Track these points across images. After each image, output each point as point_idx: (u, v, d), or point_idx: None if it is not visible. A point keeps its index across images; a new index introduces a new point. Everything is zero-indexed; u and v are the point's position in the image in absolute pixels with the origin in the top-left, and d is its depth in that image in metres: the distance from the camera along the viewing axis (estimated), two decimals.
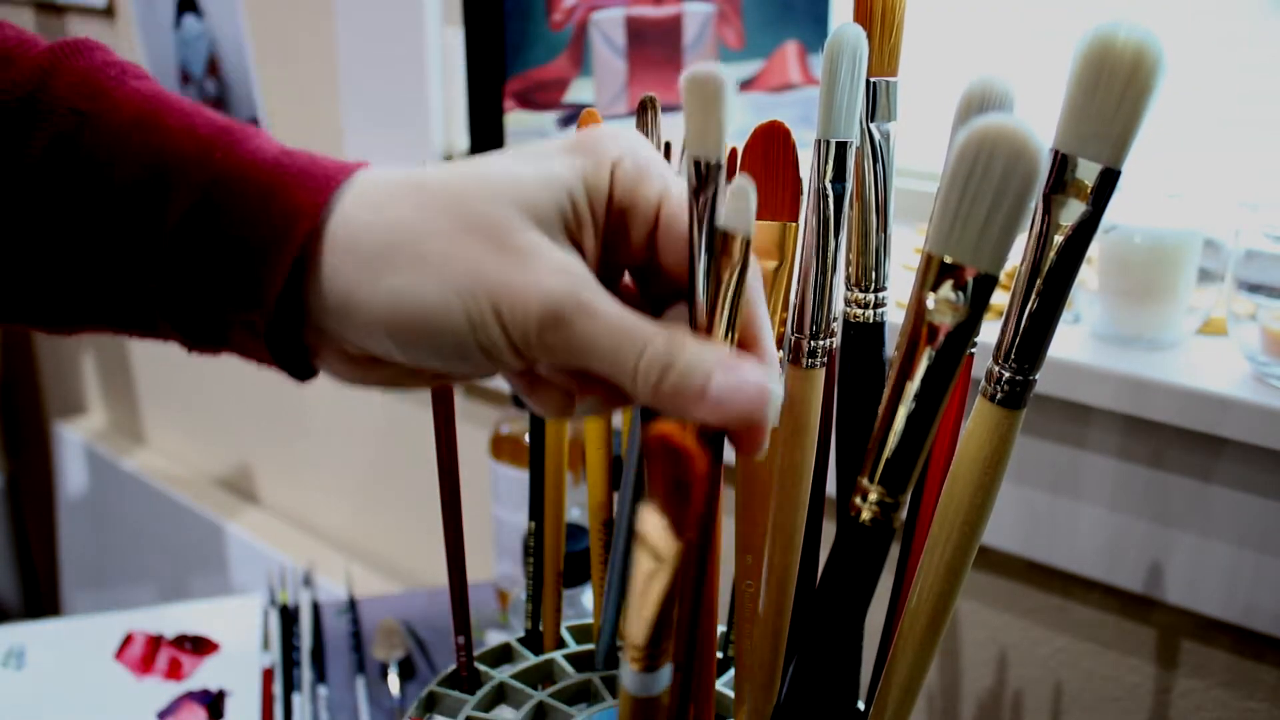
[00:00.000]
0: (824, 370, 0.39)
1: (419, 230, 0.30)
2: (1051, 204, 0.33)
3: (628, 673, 0.26)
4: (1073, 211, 0.33)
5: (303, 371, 0.33)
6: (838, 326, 0.43)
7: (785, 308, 0.41)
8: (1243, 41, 0.76)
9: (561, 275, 0.30)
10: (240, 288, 0.30)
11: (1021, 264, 0.34)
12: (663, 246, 0.32)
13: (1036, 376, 0.34)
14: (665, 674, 0.27)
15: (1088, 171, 0.33)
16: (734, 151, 0.49)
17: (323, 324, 0.31)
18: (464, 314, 0.29)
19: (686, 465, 0.24)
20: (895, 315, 0.41)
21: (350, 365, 0.33)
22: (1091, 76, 0.32)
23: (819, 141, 0.35)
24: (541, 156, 0.31)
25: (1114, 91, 0.31)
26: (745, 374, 0.29)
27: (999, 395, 0.34)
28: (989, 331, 0.60)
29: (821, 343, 0.38)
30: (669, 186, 0.32)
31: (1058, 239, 0.33)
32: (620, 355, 0.29)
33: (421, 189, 0.31)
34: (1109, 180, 0.32)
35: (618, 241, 0.33)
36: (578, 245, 0.31)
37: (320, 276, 0.30)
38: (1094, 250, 0.69)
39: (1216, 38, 0.77)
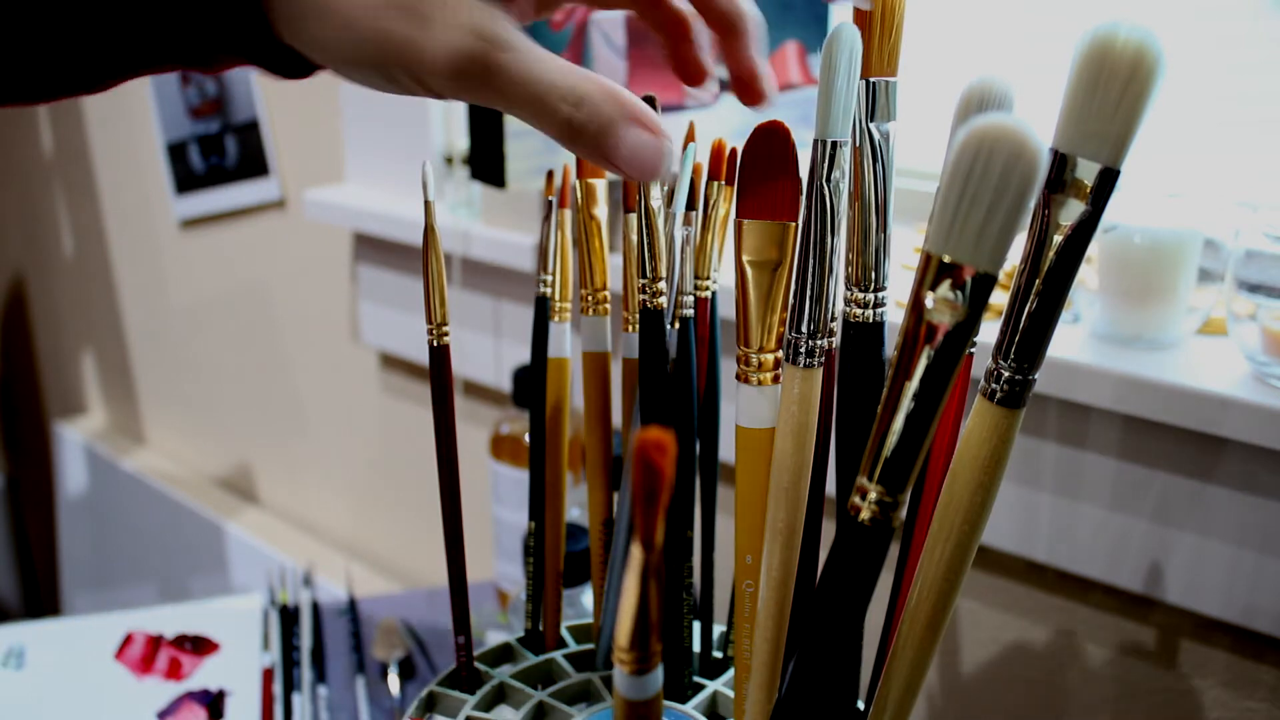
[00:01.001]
0: (822, 370, 0.39)
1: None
2: (1051, 203, 0.33)
3: (619, 675, 0.27)
4: (1072, 211, 0.33)
5: (293, 72, 0.34)
6: (837, 326, 0.43)
7: (785, 307, 0.41)
8: (1241, 42, 0.76)
9: (466, 34, 0.30)
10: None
11: (1021, 263, 0.34)
12: None
13: (1036, 376, 0.34)
14: (657, 677, 0.27)
15: (1087, 171, 0.33)
16: (734, 151, 0.49)
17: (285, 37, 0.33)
18: (378, 72, 0.31)
19: (657, 476, 0.25)
20: (895, 315, 0.41)
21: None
22: (1091, 75, 0.32)
23: (817, 141, 0.35)
24: None
25: (1114, 91, 0.31)
26: (650, 135, 0.31)
27: (998, 395, 0.34)
28: (988, 331, 0.60)
29: (819, 342, 0.38)
30: None
31: (1057, 238, 0.33)
32: (540, 110, 0.31)
33: None
34: (1109, 180, 0.32)
35: None
36: None
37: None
38: (1094, 250, 0.69)
39: (1216, 37, 0.77)
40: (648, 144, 0.32)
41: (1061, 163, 0.33)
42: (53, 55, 0.34)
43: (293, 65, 0.35)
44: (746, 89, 0.35)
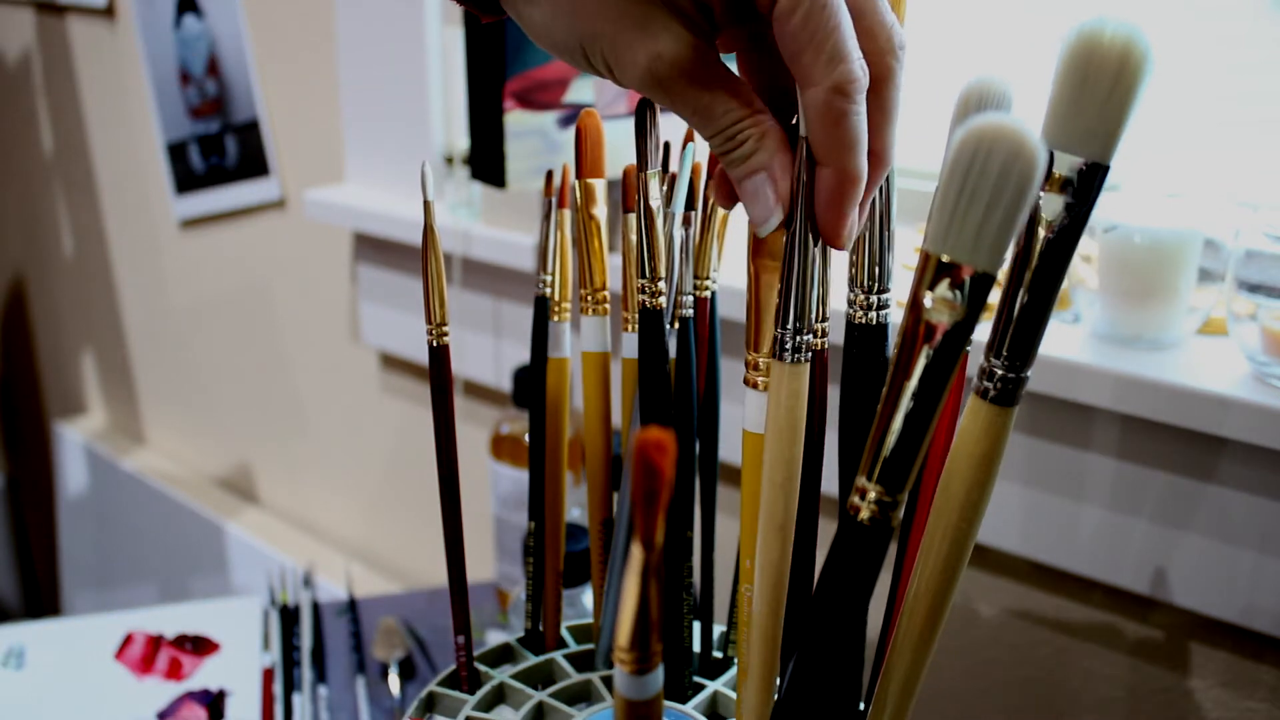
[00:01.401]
0: (811, 366, 0.39)
1: None
2: (1040, 200, 0.33)
3: (620, 675, 0.27)
4: (1061, 207, 0.33)
5: (489, 8, 0.40)
6: (828, 326, 0.43)
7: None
8: (1241, 41, 0.76)
9: (655, 60, 0.35)
10: None
11: (1011, 261, 0.34)
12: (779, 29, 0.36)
13: (1029, 374, 0.34)
14: (657, 677, 0.27)
15: (1075, 167, 0.32)
16: None
17: None
18: (584, 58, 0.36)
19: (657, 476, 0.25)
20: (895, 315, 0.41)
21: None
22: (1078, 71, 0.32)
23: (803, 138, 0.35)
24: None
25: (1102, 86, 0.31)
26: (774, 193, 0.36)
27: (991, 393, 0.34)
28: (980, 329, 0.60)
29: (806, 337, 0.38)
30: None
31: (1046, 235, 0.33)
32: (701, 122, 0.36)
33: None
34: (1097, 175, 0.32)
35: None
36: (709, 10, 0.36)
37: None
38: (1094, 250, 0.69)
39: (1215, 37, 0.77)
40: (767, 197, 0.36)
41: (1050, 159, 0.33)
42: None
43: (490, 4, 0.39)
44: (831, 235, 0.37)
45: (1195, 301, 0.68)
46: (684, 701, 0.50)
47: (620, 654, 0.26)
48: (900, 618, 0.37)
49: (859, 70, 0.34)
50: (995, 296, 0.35)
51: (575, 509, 0.81)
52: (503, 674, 0.50)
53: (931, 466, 0.44)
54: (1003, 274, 0.30)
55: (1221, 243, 0.67)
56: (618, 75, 0.36)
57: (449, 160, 1.05)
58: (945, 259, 0.29)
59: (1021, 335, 0.33)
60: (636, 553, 0.25)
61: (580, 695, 0.50)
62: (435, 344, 0.47)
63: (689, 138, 0.48)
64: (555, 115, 0.73)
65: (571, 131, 0.62)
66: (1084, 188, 0.32)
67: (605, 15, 0.35)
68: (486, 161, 0.76)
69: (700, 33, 0.36)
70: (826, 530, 0.92)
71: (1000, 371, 0.34)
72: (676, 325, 0.46)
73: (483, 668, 0.52)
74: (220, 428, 1.52)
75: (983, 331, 0.40)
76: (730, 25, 0.38)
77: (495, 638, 0.87)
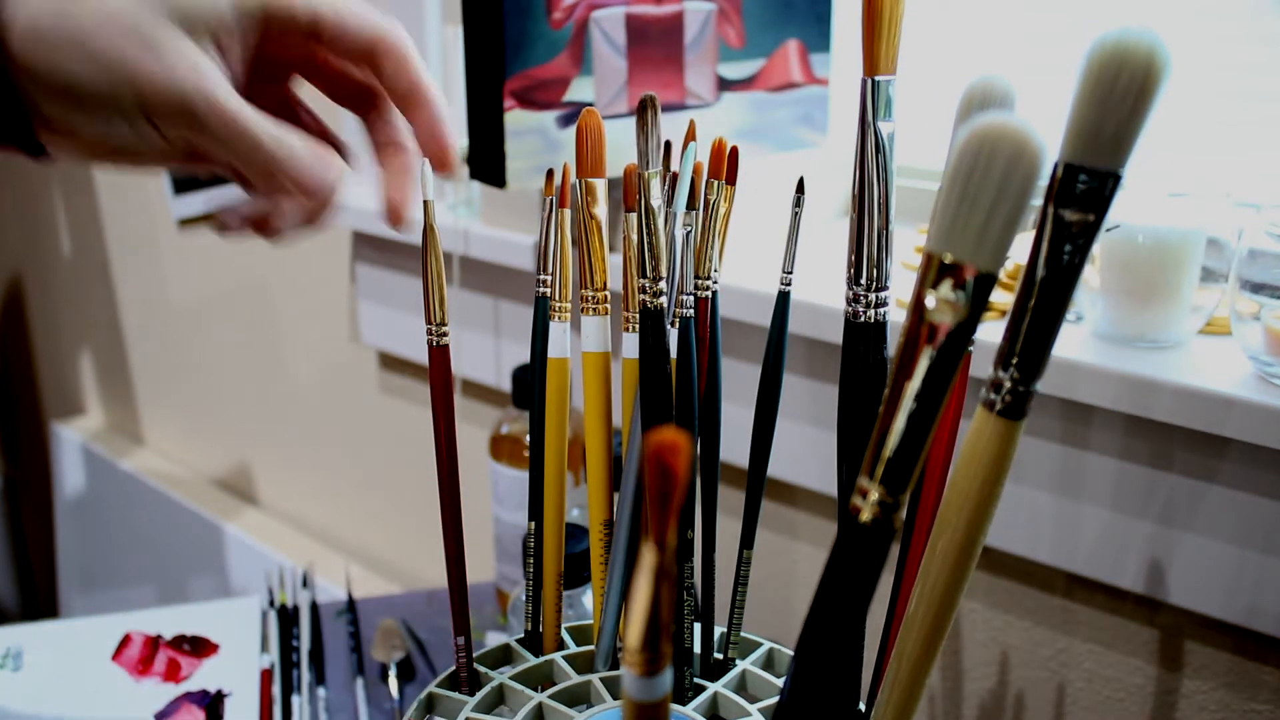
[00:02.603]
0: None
1: (84, 24, 0.37)
2: (1053, 211, 0.32)
3: (629, 678, 0.26)
4: (1075, 219, 0.32)
5: (29, 147, 0.39)
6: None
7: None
8: (1244, 40, 0.76)
9: (192, 72, 0.37)
10: None
11: (1024, 274, 0.33)
12: (331, 45, 0.41)
13: (1037, 387, 0.34)
14: (666, 679, 0.27)
15: (1093, 180, 0.32)
16: (734, 150, 0.48)
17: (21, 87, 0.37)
18: (111, 95, 0.37)
19: (671, 478, 0.25)
20: (895, 314, 0.41)
21: (63, 141, 0.39)
22: (1102, 84, 0.31)
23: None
24: None
25: (1127, 99, 0.30)
26: (325, 168, 0.40)
27: (999, 406, 0.33)
28: (985, 332, 0.60)
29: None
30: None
31: (1061, 246, 0.32)
32: (236, 148, 0.38)
33: None
34: (1112, 186, 0.32)
35: (275, 48, 0.41)
36: (222, 52, 0.39)
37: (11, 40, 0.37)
38: (1096, 249, 0.69)
39: (1217, 35, 0.76)
40: (331, 169, 0.41)
41: (1067, 171, 0.32)
42: None
43: (30, 141, 0.39)
44: (437, 161, 0.44)
45: (1198, 301, 0.68)
46: (684, 703, 0.49)
47: (630, 656, 0.26)
48: (902, 630, 0.36)
49: (396, 25, 0.41)
50: (1004, 298, 0.34)
51: (575, 509, 0.81)
52: (502, 675, 0.50)
53: (933, 469, 0.44)
54: (1013, 276, 0.30)
55: (1225, 242, 0.67)
56: (148, 107, 0.37)
57: None
58: (948, 259, 0.28)
59: (1031, 347, 0.33)
60: (648, 554, 0.25)
61: (580, 697, 0.50)
62: (435, 343, 0.47)
63: (690, 137, 0.48)
64: (555, 114, 0.72)
65: (572, 130, 0.62)
66: (1098, 198, 0.32)
67: (130, 48, 0.37)
68: (486, 161, 0.76)
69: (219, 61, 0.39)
70: (827, 531, 0.92)
71: (1009, 384, 0.33)
72: (677, 325, 0.46)
73: (482, 669, 0.51)
74: (219, 428, 1.52)
75: (986, 333, 0.40)
76: (269, 59, 0.42)
77: (495, 639, 0.87)
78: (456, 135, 0.44)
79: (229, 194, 1.31)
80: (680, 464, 0.25)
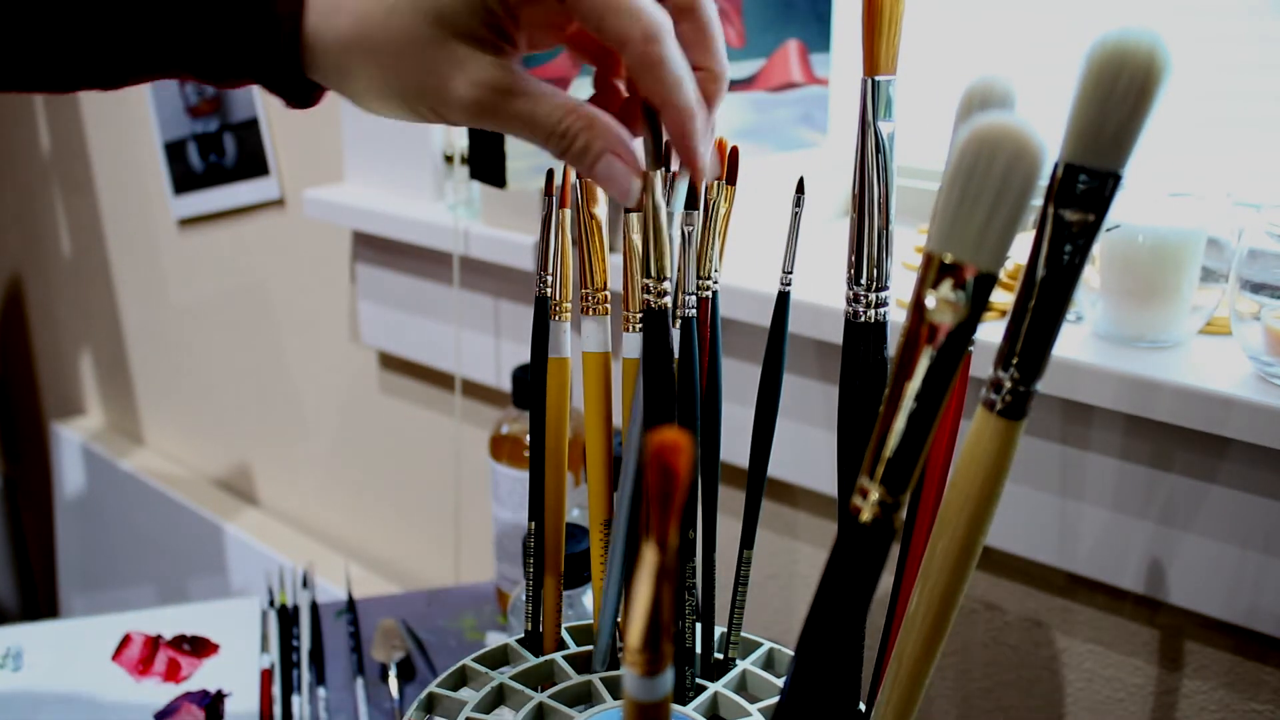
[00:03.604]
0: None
1: (370, 44, 0.39)
2: (1053, 211, 0.32)
3: (630, 677, 0.26)
4: (1075, 220, 0.32)
5: (304, 102, 0.42)
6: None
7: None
8: (1245, 40, 0.76)
9: (474, 88, 0.38)
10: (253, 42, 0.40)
11: (1024, 274, 0.33)
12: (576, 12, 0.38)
13: (1037, 387, 0.34)
14: (667, 678, 0.27)
15: (1095, 181, 0.32)
16: (735, 150, 0.48)
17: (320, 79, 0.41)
18: (411, 111, 0.40)
19: (673, 479, 0.25)
20: (894, 314, 0.41)
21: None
22: (1102, 84, 0.31)
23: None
24: None
25: (1128, 100, 0.30)
26: (624, 164, 0.39)
27: (999, 406, 0.33)
28: (986, 331, 0.60)
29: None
30: None
31: (1061, 246, 0.32)
32: (532, 132, 0.39)
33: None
34: (1112, 186, 0.32)
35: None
36: (504, 31, 0.39)
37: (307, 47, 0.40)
38: (1096, 249, 0.69)
39: (1218, 36, 0.76)
40: (620, 172, 0.39)
41: (1067, 172, 0.32)
42: (76, 50, 0.40)
43: (304, 95, 0.42)
44: (691, 166, 0.41)
45: (1198, 301, 0.68)
46: (685, 703, 0.49)
47: (631, 655, 0.26)
48: (902, 630, 0.36)
49: (657, 15, 0.37)
50: (1004, 297, 0.34)
51: (575, 509, 0.81)
52: (502, 675, 0.50)
53: (933, 469, 0.44)
54: (1013, 276, 0.30)
55: (1225, 242, 0.67)
56: (446, 115, 0.39)
57: (449, 159, 1.04)
58: (948, 259, 0.28)
59: (1031, 347, 0.33)
60: (650, 554, 0.25)
61: (580, 696, 0.50)
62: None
63: None
64: None
65: None
66: (1099, 197, 0.32)
67: (414, 69, 0.39)
68: (486, 161, 0.76)
69: (502, 53, 0.39)
70: (827, 531, 0.92)
71: (1009, 384, 0.33)
72: (678, 325, 0.46)
73: (482, 669, 0.51)
74: (219, 428, 1.52)
75: (986, 333, 0.40)
76: (533, 27, 0.41)
77: (495, 639, 0.87)
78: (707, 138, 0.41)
79: (228, 193, 1.30)
80: (682, 464, 0.25)
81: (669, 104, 0.38)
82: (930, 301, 0.28)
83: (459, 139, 1.05)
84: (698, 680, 0.51)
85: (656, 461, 0.25)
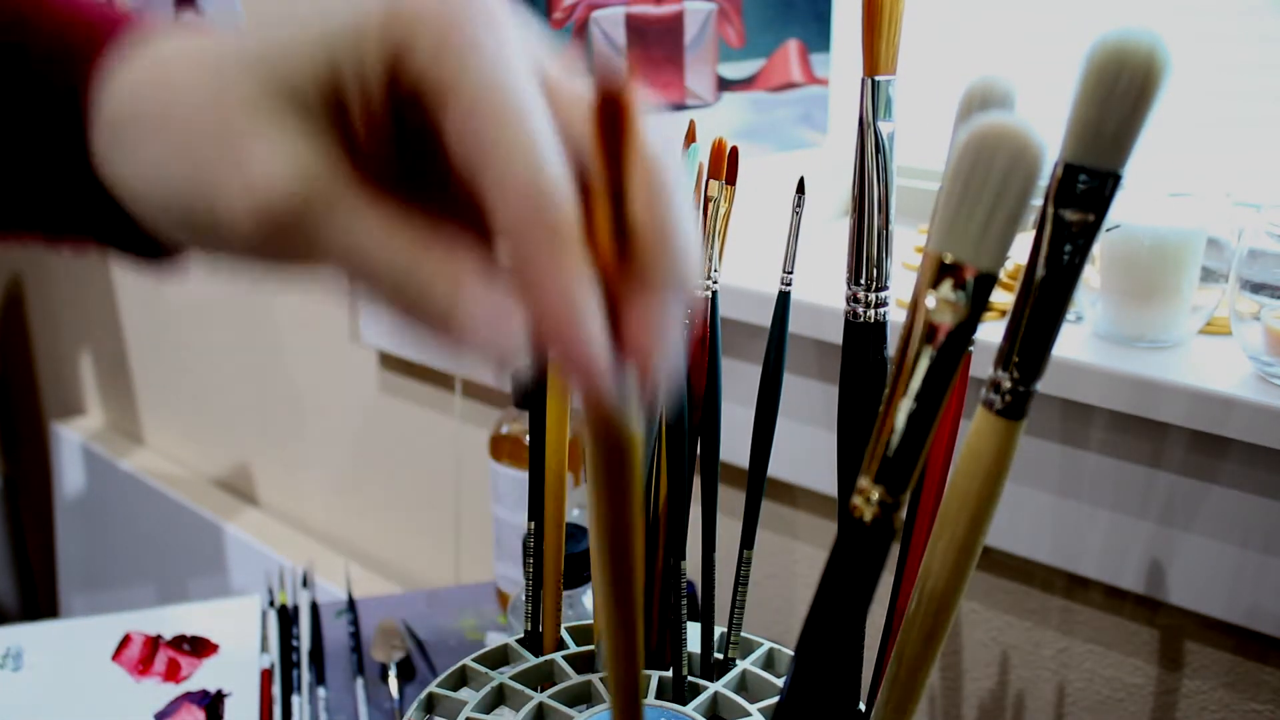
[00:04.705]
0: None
1: (168, 111, 0.27)
2: (1053, 211, 0.32)
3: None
4: (1074, 218, 0.32)
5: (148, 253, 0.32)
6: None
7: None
8: (1243, 40, 0.76)
9: (277, 174, 0.25)
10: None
11: (1024, 274, 0.33)
12: (451, 142, 0.25)
13: (1037, 387, 0.34)
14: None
15: (1095, 180, 0.32)
16: (734, 150, 0.48)
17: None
18: (180, 217, 0.27)
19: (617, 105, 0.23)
20: (894, 314, 0.41)
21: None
22: (1102, 83, 0.31)
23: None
24: (327, 18, 0.25)
25: (1128, 100, 0.30)
26: (509, 334, 0.25)
27: (999, 406, 0.33)
28: (986, 331, 0.60)
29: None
30: (467, 74, 0.24)
31: (1061, 246, 0.32)
32: (357, 273, 0.26)
33: (204, 54, 0.28)
34: (1112, 186, 0.32)
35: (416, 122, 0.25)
36: (345, 128, 0.26)
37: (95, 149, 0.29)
38: (1096, 249, 0.69)
39: (1218, 35, 0.76)
40: (507, 351, 0.25)
41: (1067, 172, 0.32)
42: None
43: (143, 245, 0.32)
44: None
45: (1198, 301, 0.68)
46: (684, 703, 0.49)
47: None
48: (902, 631, 0.36)
49: (552, 184, 0.24)
50: (1004, 297, 0.34)
51: (575, 509, 0.81)
52: (502, 675, 0.50)
53: (933, 469, 0.44)
54: (1013, 276, 0.30)
55: (1225, 242, 0.67)
56: (224, 222, 0.26)
57: None
58: (948, 259, 0.28)
59: (1031, 347, 0.33)
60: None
61: (580, 697, 0.50)
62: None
63: (690, 138, 0.48)
64: None
65: None
66: (1099, 197, 0.32)
67: (205, 138, 0.26)
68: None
69: (336, 139, 0.26)
70: (827, 531, 0.92)
71: (1009, 384, 0.33)
72: None
73: (482, 669, 0.51)
74: (219, 428, 1.52)
75: (986, 333, 0.40)
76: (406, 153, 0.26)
77: (495, 639, 0.87)
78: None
79: None
80: (626, 91, 0.23)
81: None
82: (930, 301, 0.28)
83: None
84: (697, 680, 0.51)
85: (600, 99, 0.23)
